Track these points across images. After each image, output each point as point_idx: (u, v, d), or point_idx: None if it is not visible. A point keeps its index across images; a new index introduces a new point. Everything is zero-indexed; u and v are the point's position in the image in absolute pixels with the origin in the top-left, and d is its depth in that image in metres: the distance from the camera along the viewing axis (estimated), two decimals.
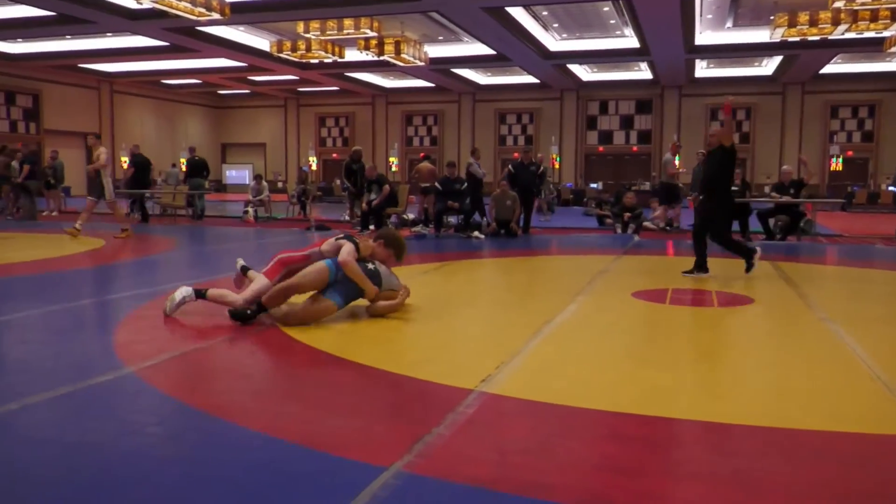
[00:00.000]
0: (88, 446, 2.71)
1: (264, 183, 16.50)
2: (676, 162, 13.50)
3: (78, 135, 28.47)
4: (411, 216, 13.62)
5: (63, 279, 7.16)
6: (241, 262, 5.44)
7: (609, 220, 13.70)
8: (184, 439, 2.81)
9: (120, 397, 3.32)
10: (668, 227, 13.52)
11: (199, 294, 4.96)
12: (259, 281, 4.96)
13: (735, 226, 11.91)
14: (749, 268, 7.36)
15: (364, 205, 12.30)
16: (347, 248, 4.94)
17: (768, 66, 26.01)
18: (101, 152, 11.14)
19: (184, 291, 4.95)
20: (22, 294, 6.15)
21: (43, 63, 25.45)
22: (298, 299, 4.96)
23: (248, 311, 4.77)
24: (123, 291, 6.26)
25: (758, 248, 7.60)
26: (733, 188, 11.85)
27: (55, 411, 3.10)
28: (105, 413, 3.07)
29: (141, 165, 15.80)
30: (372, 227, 12.40)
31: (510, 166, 13.08)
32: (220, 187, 35.26)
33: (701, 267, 7.44)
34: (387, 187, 12.35)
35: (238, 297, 4.89)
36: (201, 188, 15.94)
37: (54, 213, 16.75)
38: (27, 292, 6.23)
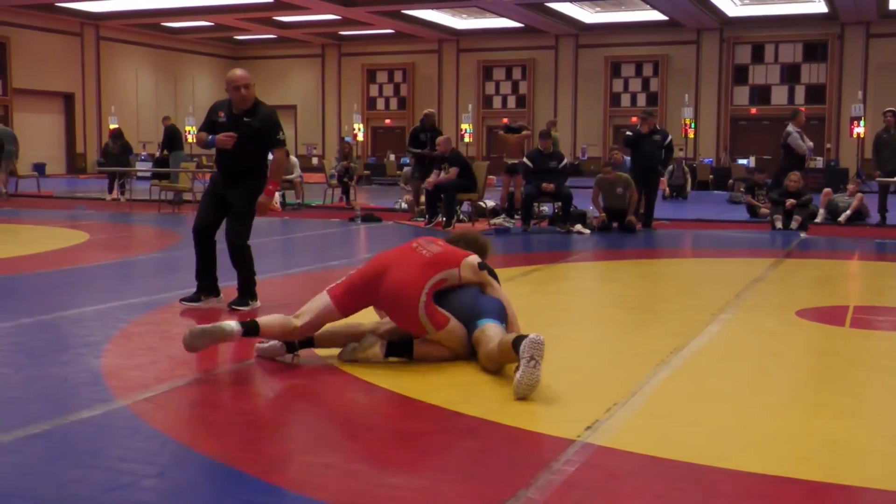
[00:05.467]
0: (68, 502, 2.79)
1: (293, 159, 16.74)
2: None
3: (54, 95, 29.48)
4: (490, 203, 13.63)
5: (36, 283, 7.43)
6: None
7: (765, 210, 13.45)
8: (190, 496, 2.87)
9: (109, 439, 3.42)
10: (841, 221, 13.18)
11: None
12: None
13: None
14: (191, 300, 6.04)
15: (428, 182, 12.39)
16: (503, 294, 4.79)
17: None
18: None
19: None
20: None
21: (10, 3, 26.38)
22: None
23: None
24: (114, 300, 6.42)
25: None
26: None
27: (25, 455, 3.21)
28: (90, 459, 3.16)
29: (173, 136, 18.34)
30: (441, 216, 12.44)
31: (627, 135, 12.96)
32: None
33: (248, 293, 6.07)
34: (455, 169, 12.33)
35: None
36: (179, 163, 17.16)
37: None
38: None
